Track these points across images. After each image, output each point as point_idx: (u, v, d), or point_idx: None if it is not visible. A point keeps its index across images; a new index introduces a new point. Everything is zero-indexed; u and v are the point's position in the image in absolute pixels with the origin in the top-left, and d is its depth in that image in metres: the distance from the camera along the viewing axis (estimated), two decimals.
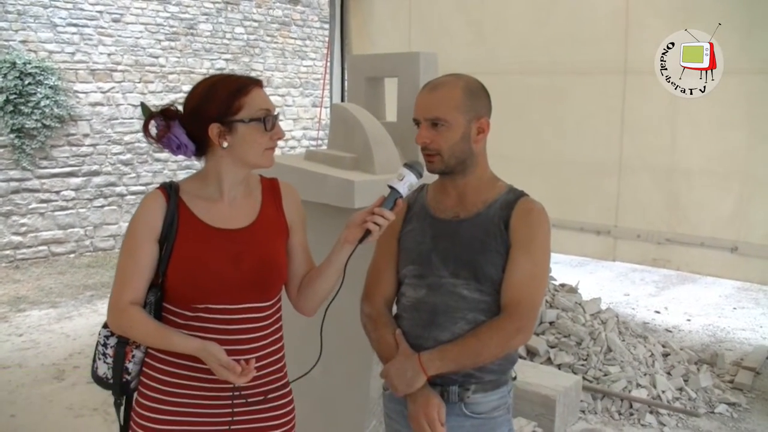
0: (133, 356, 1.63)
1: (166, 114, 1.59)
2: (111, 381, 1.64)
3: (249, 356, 1.58)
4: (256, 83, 1.61)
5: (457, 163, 1.70)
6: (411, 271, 1.76)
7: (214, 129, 1.56)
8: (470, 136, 1.69)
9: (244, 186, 1.68)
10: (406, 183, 1.63)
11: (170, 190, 1.61)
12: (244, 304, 1.61)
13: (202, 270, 1.57)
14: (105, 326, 1.64)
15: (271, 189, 1.74)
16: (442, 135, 1.67)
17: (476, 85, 1.73)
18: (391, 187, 1.63)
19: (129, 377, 1.64)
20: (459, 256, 1.69)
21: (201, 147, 1.61)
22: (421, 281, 1.73)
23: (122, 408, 1.68)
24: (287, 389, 1.73)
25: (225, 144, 1.57)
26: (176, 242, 1.57)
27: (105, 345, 1.63)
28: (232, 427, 1.62)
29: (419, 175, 1.66)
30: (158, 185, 1.65)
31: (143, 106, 1.67)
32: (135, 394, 1.66)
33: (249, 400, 1.63)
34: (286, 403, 1.72)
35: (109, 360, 1.63)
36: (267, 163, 1.63)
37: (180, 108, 1.62)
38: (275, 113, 1.61)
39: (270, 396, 1.67)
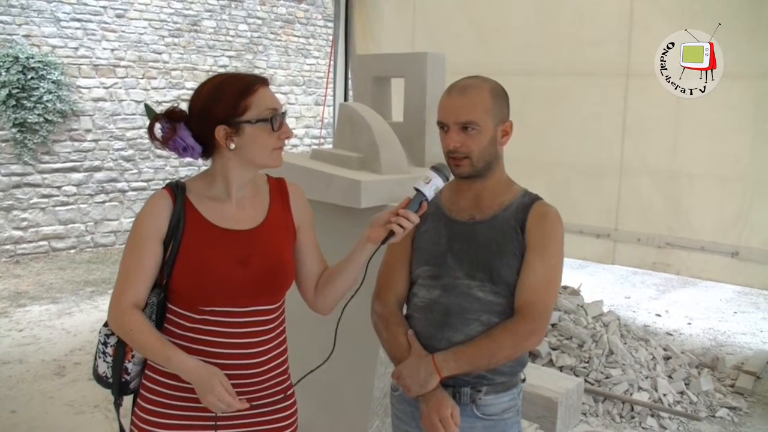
0: (132, 356, 1.60)
1: (171, 116, 1.56)
2: (110, 380, 1.62)
3: (257, 359, 1.59)
4: (263, 82, 1.59)
5: (484, 166, 1.70)
6: (425, 272, 1.76)
7: (220, 131, 1.53)
8: (497, 140, 1.71)
9: (251, 186, 1.66)
10: (433, 186, 1.62)
11: (177, 190, 1.59)
12: (251, 307, 1.59)
13: (209, 272, 1.54)
14: (106, 325, 1.62)
15: (278, 189, 1.72)
16: (473, 139, 1.67)
17: (500, 88, 1.73)
18: (417, 190, 1.61)
19: (128, 377, 1.62)
20: (475, 258, 1.69)
21: (208, 148, 1.59)
22: (436, 282, 1.73)
23: (121, 408, 1.66)
24: (290, 391, 1.73)
25: (232, 146, 1.54)
26: (182, 243, 1.55)
27: (105, 344, 1.62)
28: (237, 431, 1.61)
29: (446, 179, 1.65)
30: (165, 185, 1.62)
31: (147, 107, 1.65)
32: (137, 399, 1.64)
33: (255, 407, 1.61)
34: (289, 406, 1.72)
35: (109, 359, 1.61)
36: (275, 163, 1.61)
37: (184, 108, 1.60)
38: (282, 111, 1.59)
39: (276, 405, 1.67)
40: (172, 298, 1.59)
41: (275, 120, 1.56)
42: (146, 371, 1.63)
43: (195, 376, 1.49)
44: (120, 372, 1.61)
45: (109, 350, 1.61)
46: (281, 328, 1.69)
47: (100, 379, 1.65)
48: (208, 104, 1.55)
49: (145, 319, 1.55)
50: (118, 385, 1.62)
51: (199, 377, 1.48)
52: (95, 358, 1.65)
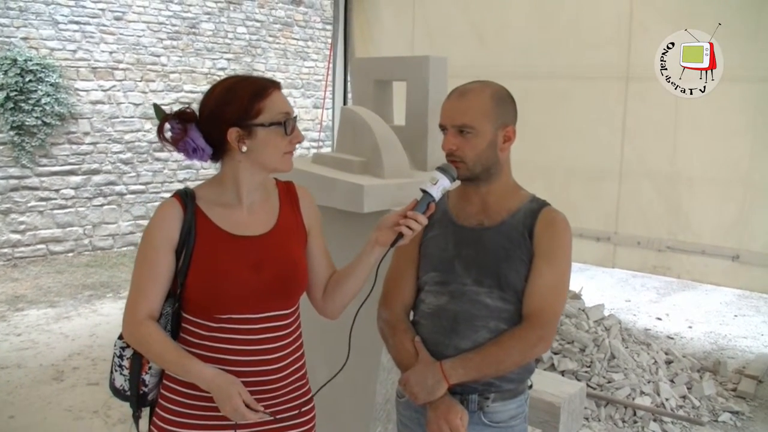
0: (149, 368, 1.59)
1: (182, 116, 1.55)
2: (128, 393, 1.61)
3: (275, 366, 1.57)
4: (275, 85, 1.58)
5: (483, 170, 1.69)
6: (433, 278, 1.74)
7: (233, 133, 1.52)
8: (497, 144, 1.69)
9: (262, 191, 1.64)
10: (440, 187, 1.61)
11: (186, 198, 1.57)
12: (267, 313, 1.58)
13: (223, 279, 1.53)
14: (120, 337, 1.61)
15: (287, 193, 1.71)
16: (469, 142, 1.66)
17: (503, 93, 1.72)
18: (424, 191, 1.60)
19: (146, 389, 1.61)
20: (483, 264, 1.68)
21: (218, 151, 1.57)
22: (443, 288, 1.72)
23: (140, 420, 1.65)
24: (309, 396, 1.70)
25: (244, 148, 1.53)
26: (195, 251, 1.53)
27: (121, 357, 1.60)
28: None
29: (452, 179, 1.64)
30: (174, 192, 1.60)
31: (156, 107, 1.62)
32: (155, 408, 1.63)
33: (277, 416, 1.60)
34: (308, 411, 1.70)
35: (126, 372, 1.60)
36: (286, 167, 1.60)
37: (196, 110, 1.58)
38: (294, 116, 1.58)
39: (295, 411, 1.65)
40: (187, 308, 1.57)
41: (288, 124, 1.55)
42: (164, 381, 1.61)
43: (213, 385, 1.47)
44: (137, 384, 1.60)
45: (125, 363, 1.60)
46: (297, 333, 1.68)
47: (117, 392, 1.63)
48: (220, 106, 1.53)
49: (160, 330, 1.53)
50: (136, 397, 1.61)
51: (217, 386, 1.47)
52: (111, 372, 1.64)
